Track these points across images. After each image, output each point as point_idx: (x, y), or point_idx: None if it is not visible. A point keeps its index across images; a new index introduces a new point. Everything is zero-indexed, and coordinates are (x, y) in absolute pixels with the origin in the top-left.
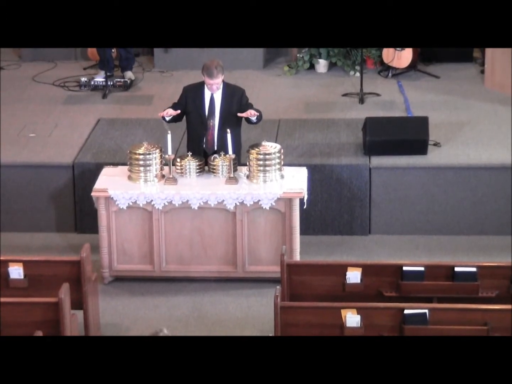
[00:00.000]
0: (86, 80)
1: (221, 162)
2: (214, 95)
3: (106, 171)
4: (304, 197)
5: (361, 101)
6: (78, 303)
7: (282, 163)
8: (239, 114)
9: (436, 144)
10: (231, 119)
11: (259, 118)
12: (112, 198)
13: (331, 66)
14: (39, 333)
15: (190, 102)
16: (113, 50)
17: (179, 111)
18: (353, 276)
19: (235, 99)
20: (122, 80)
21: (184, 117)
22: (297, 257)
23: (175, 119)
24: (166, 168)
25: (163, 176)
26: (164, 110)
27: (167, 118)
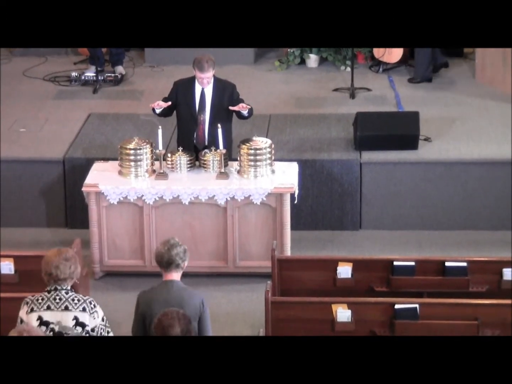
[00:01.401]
0: (76, 75)
1: (212, 157)
2: (205, 90)
3: (97, 166)
4: (295, 192)
5: (352, 96)
6: None
7: (273, 158)
8: (230, 108)
9: (427, 139)
10: (222, 114)
11: (250, 112)
12: (103, 193)
13: (322, 61)
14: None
15: (180, 96)
16: None
17: (169, 103)
18: (344, 271)
19: (226, 94)
20: (112, 75)
21: (175, 112)
22: (288, 252)
23: (165, 113)
24: (157, 163)
25: (154, 171)
26: (155, 102)
27: (157, 110)
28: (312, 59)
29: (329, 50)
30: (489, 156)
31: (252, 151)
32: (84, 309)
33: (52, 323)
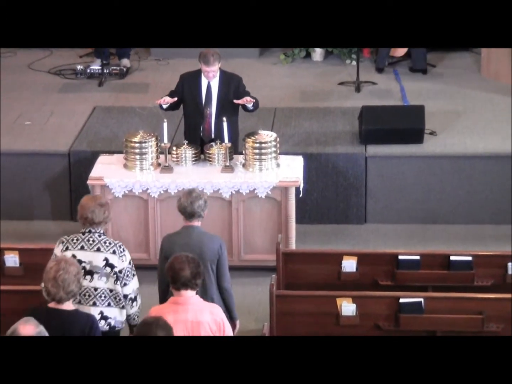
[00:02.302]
0: (82, 68)
1: (217, 151)
2: (211, 83)
3: (102, 159)
4: (300, 185)
5: (357, 89)
6: None
7: (278, 151)
8: (235, 101)
9: (432, 133)
10: (228, 107)
11: (256, 105)
12: (108, 186)
13: (327, 54)
14: None
15: (187, 89)
16: None
17: (176, 99)
18: (349, 265)
19: (232, 87)
20: (118, 68)
21: (181, 105)
22: (292, 246)
23: (172, 107)
24: (162, 156)
25: (159, 164)
26: (161, 98)
27: (164, 106)
28: (318, 53)
29: None
30: (494, 150)
31: (257, 145)
32: (114, 252)
33: (84, 262)
